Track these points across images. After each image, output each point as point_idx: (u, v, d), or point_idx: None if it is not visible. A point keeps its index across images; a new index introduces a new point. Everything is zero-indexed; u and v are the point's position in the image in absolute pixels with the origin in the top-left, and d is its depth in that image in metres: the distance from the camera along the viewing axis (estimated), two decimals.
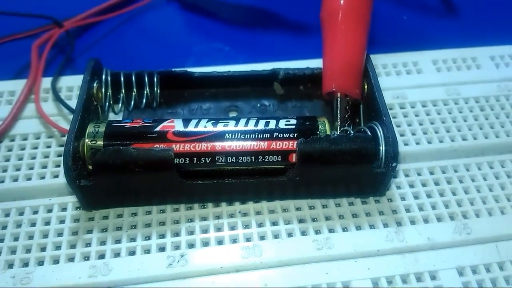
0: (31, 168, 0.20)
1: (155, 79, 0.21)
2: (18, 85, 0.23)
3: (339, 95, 0.20)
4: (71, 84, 0.24)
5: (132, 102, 0.21)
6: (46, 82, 0.24)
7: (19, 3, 0.29)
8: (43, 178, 0.20)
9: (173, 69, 0.22)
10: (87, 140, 0.17)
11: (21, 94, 0.22)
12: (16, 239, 0.18)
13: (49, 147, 0.21)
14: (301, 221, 0.19)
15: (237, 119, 0.18)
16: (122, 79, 0.21)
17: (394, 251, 0.18)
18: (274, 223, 0.19)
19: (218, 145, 0.18)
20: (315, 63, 0.23)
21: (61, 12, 0.29)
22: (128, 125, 0.18)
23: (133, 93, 0.21)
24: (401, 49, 0.27)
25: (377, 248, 0.18)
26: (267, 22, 0.31)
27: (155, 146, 0.17)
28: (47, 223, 0.18)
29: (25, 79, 0.23)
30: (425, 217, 0.19)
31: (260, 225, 0.19)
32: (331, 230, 0.18)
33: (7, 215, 0.19)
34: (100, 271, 0.17)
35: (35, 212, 0.19)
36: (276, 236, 0.18)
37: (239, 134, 0.18)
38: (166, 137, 0.18)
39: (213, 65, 0.24)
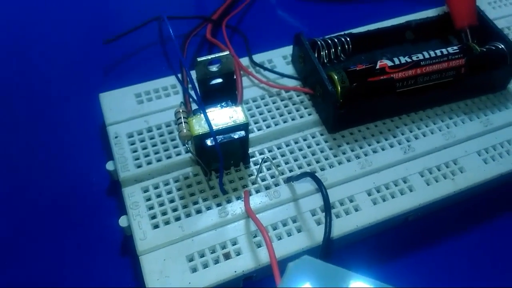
0: (276, 116, 0.28)
1: (346, 40, 0.30)
2: None
3: (467, 27, 0.30)
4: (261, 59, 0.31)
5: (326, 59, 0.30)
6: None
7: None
8: (293, 119, 0.28)
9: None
10: (338, 83, 0.26)
11: (235, 70, 0.30)
12: (293, 152, 0.27)
13: (283, 100, 0.29)
14: (465, 113, 0.29)
15: (420, 53, 0.27)
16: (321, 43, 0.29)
17: None
18: (450, 117, 0.29)
19: (418, 69, 0.27)
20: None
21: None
22: (358, 68, 0.27)
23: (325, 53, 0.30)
24: None
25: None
26: None
27: (381, 78, 0.26)
28: (309, 146, 0.27)
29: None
30: None
31: (442, 120, 0.28)
32: (487, 114, 0.29)
33: (279, 147, 0.27)
34: (365, 164, 0.26)
35: (296, 142, 0.27)
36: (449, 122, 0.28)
37: (429, 60, 0.27)
38: (385, 70, 0.27)
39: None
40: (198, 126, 0.23)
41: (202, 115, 0.24)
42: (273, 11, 0.39)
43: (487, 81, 0.29)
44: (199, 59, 0.25)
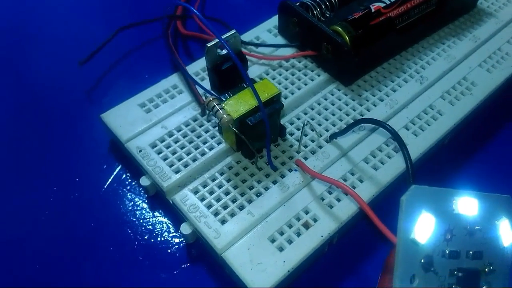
0: (288, 86, 0.28)
1: None
2: None
3: None
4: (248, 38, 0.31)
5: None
6: None
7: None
8: (306, 84, 0.28)
9: None
10: (345, 33, 0.26)
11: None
12: (320, 113, 0.26)
13: (287, 70, 0.29)
14: (453, 35, 0.30)
15: None
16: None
17: None
18: (443, 43, 0.30)
19: (408, 4, 0.28)
20: None
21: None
22: (356, 16, 0.27)
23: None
24: None
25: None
26: None
27: (380, 19, 0.27)
28: (333, 103, 0.27)
29: None
30: None
31: (437, 47, 0.30)
32: (471, 31, 0.31)
33: (306, 113, 0.27)
34: (392, 103, 0.27)
35: (319, 103, 0.27)
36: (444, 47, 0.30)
37: None
38: (381, 11, 0.27)
39: None
40: (236, 108, 0.22)
41: (233, 97, 0.23)
42: None
43: (462, 2, 0.31)
44: (208, 45, 0.23)
